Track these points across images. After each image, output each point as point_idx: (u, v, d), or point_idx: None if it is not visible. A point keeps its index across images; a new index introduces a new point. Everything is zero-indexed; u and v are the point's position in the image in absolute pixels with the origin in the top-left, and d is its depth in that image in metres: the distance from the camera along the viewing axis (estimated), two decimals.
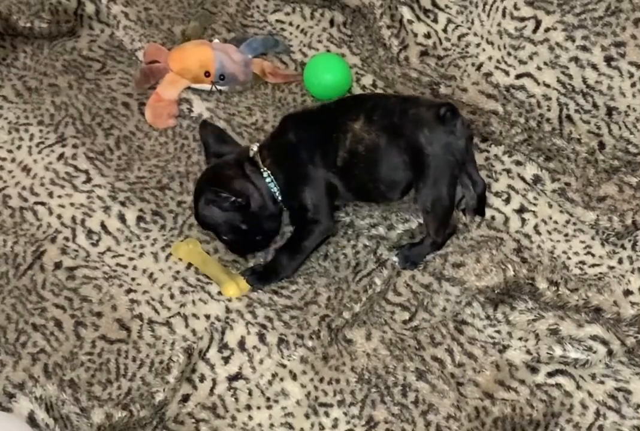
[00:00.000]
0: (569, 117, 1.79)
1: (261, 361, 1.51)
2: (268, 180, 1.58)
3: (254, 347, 1.52)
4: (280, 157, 1.59)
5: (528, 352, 1.54)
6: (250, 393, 1.48)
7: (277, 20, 2.06)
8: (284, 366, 1.51)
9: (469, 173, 1.65)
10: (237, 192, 1.55)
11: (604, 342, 1.53)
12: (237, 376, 1.50)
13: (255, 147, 1.60)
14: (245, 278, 1.58)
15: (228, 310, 1.56)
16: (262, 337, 1.53)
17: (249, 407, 1.47)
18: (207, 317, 1.55)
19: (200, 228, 1.63)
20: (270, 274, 1.60)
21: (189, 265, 1.62)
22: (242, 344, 1.52)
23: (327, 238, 1.64)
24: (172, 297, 1.58)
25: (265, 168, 1.58)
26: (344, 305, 1.58)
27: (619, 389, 1.52)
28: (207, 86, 1.88)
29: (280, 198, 1.59)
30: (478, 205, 1.69)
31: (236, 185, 1.56)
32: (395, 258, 1.63)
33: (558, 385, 1.52)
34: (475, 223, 1.69)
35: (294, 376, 1.50)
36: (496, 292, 1.58)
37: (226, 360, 1.51)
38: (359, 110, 1.57)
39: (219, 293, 1.58)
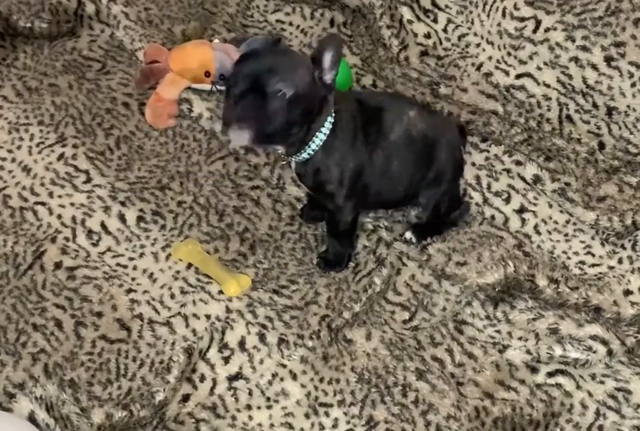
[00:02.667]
0: (569, 117, 1.79)
1: (261, 361, 1.51)
2: (329, 121, 1.48)
3: (254, 347, 1.52)
4: (348, 118, 1.51)
5: (528, 352, 1.55)
6: (250, 393, 1.48)
7: (277, 20, 2.06)
8: (284, 366, 1.51)
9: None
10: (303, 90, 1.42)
11: (604, 342, 1.53)
12: (237, 376, 1.50)
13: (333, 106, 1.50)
14: (321, 269, 1.64)
15: (228, 310, 1.56)
16: (262, 337, 1.53)
17: (249, 407, 1.47)
18: (208, 316, 1.55)
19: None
20: (338, 258, 1.65)
21: (189, 265, 1.62)
22: (242, 344, 1.52)
23: (357, 216, 1.62)
24: (172, 296, 1.58)
25: (333, 116, 1.49)
26: (344, 305, 1.58)
27: (619, 389, 1.52)
28: (207, 86, 1.88)
29: (314, 148, 1.48)
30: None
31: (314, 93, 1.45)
32: (408, 235, 1.67)
33: (558, 385, 1.52)
34: (476, 222, 1.70)
35: (294, 376, 1.50)
36: (497, 289, 1.58)
37: (226, 360, 1.51)
38: (412, 104, 1.65)
39: (220, 292, 1.58)
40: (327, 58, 1.44)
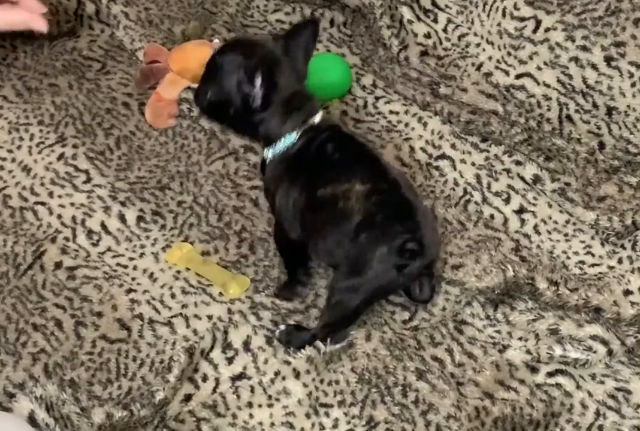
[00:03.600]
0: (569, 117, 1.79)
1: (266, 361, 1.51)
2: (287, 141, 1.46)
3: (260, 348, 1.52)
4: (304, 146, 1.47)
5: (528, 352, 1.55)
6: (252, 391, 1.48)
7: (277, 20, 2.06)
8: (289, 363, 1.51)
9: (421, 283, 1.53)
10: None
11: (604, 342, 1.53)
12: (240, 376, 1.50)
13: (319, 117, 1.47)
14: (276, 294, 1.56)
15: (230, 312, 1.56)
16: (268, 340, 1.53)
17: (250, 405, 1.47)
18: (210, 317, 1.55)
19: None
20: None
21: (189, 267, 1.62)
22: (246, 344, 1.52)
23: (297, 244, 1.51)
24: (173, 296, 1.58)
25: (297, 135, 1.46)
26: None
27: (619, 389, 1.52)
28: None
29: (268, 157, 1.48)
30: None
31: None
32: (282, 327, 1.52)
33: (558, 385, 1.52)
34: (473, 222, 1.70)
35: (297, 375, 1.50)
36: (496, 292, 1.58)
37: (230, 360, 1.51)
38: (375, 179, 1.41)
39: (221, 294, 1.58)
40: (257, 81, 1.43)
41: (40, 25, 1.32)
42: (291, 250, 1.57)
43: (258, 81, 1.42)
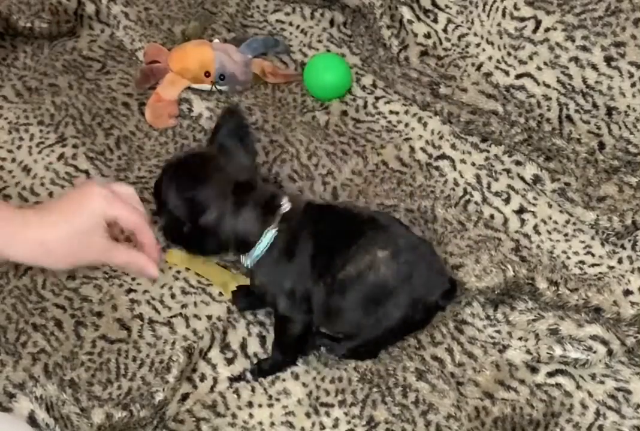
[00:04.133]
0: (569, 117, 1.79)
1: None
2: (268, 237, 1.40)
3: (255, 354, 1.52)
4: (293, 236, 1.40)
5: (528, 352, 1.55)
6: (252, 390, 1.48)
7: (277, 20, 2.06)
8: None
9: None
10: (202, 207, 1.37)
11: (604, 342, 1.53)
12: (239, 377, 1.50)
13: (287, 203, 1.41)
14: (252, 375, 1.50)
15: (230, 311, 1.56)
16: (263, 339, 1.53)
17: (250, 404, 1.47)
18: (209, 317, 1.55)
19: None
20: (274, 370, 1.50)
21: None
22: (244, 348, 1.53)
23: (309, 329, 1.47)
24: (172, 296, 1.58)
25: (276, 228, 1.40)
26: None
27: (619, 389, 1.52)
28: (207, 86, 1.88)
29: (250, 264, 1.43)
30: None
31: (223, 205, 1.37)
32: (249, 375, 1.50)
33: (558, 385, 1.52)
34: (473, 222, 1.70)
35: (296, 377, 1.50)
36: (496, 292, 1.58)
37: (229, 361, 1.51)
38: (391, 241, 1.41)
39: (221, 294, 1.58)
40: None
41: (153, 274, 1.30)
42: (299, 344, 1.50)
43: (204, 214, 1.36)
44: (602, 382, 1.52)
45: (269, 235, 1.40)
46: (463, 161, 1.80)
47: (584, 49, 1.75)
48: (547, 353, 1.53)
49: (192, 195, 1.36)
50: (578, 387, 1.51)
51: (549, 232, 1.71)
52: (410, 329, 1.52)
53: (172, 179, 1.40)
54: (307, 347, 1.52)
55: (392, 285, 1.40)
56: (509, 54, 1.83)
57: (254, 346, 1.53)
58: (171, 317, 1.55)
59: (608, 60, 1.73)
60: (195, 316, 1.55)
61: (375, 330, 1.46)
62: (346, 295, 1.41)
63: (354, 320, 1.44)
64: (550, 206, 1.74)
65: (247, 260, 1.45)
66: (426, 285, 1.43)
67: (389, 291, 1.41)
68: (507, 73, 1.83)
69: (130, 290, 1.58)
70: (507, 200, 1.75)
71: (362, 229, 1.43)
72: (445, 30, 1.89)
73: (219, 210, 1.37)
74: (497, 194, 1.75)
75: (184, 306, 1.57)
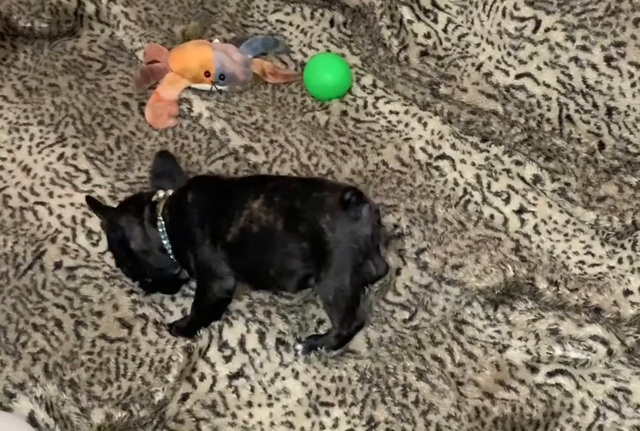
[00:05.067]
0: (569, 117, 1.79)
1: (261, 365, 1.51)
2: (160, 230, 1.50)
3: (254, 350, 1.52)
4: (174, 214, 1.50)
5: (528, 352, 1.55)
6: (252, 390, 1.48)
7: (277, 20, 2.06)
8: (286, 365, 1.51)
9: (371, 257, 1.49)
10: (115, 225, 1.51)
11: (604, 342, 1.53)
12: (238, 374, 1.50)
13: (162, 193, 1.53)
14: (169, 329, 1.53)
15: (227, 311, 1.56)
16: (262, 336, 1.53)
17: (250, 404, 1.47)
18: (183, 312, 1.56)
19: None
20: (189, 331, 1.53)
21: None
22: (242, 344, 1.52)
23: (224, 301, 1.52)
24: (173, 299, 1.58)
25: (161, 218, 1.50)
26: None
27: (619, 389, 1.52)
28: (207, 86, 1.88)
29: (170, 251, 1.51)
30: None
31: (121, 219, 1.51)
32: (299, 347, 1.52)
33: (558, 385, 1.52)
34: (473, 222, 1.70)
35: (297, 375, 1.50)
36: (496, 292, 1.58)
37: (227, 358, 1.51)
38: (261, 188, 1.47)
39: None
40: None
41: None
42: (220, 306, 1.54)
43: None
44: (602, 382, 1.52)
45: (158, 225, 1.50)
46: (463, 161, 1.80)
47: (584, 49, 1.75)
48: (547, 353, 1.53)
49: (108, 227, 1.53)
50: (578, 387, 1.51)
51: (549, 232, 1.71)
52: (346, 252, 1.41)
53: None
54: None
55: (280, 224, 1.42)
56: (509, 54, 1.83)
57: (252, 343, 1.53)
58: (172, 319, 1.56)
59: (608, 60, 1.73)
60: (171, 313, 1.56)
61: (302, 266, 1.43)
62: (245, 253, 1.45)
63: (272, 270, 1.45)
64: (550, 206, 1.74)
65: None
66: (316, 205, 1.41)
67: (281, 230, 1.42)
68: (507, 73, 1.83)
69: (131, 291, 1.58)
70: (507, 200, 1.75)
71: (236, 190, 1.49)
72: (445, 30, 1.89)
73: (132, 229, 1.51)
74: (497, 194, 1.75)
75: (184, 310, 1.57)
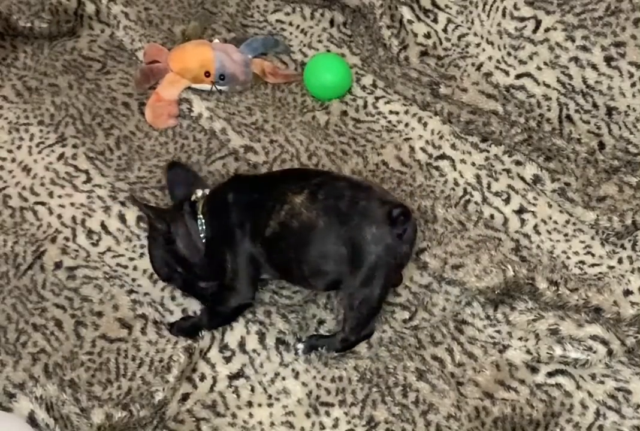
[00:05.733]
0: (569, 117, 1.79)
1: (261, 365, 1.51)
2: (201, 228, 1.50)
3: (254, 350, 1.52)
4: (213, 212, 1.50)
5: (528, 352, 1.55)
6: (252, 390, 1.49)
7: (277, 20, 2.06)
8: (286, 365, 1.51)
9: None
10: (161, 220, 1.50)
11: (604, 342, 1.53)
12: (238, 374, 1.50)
13: (200, 192, 1.53)
14: (169, 329, 1.53)
15: None
16: (262, 337, 1.53)
17: (250, 404, 1.47)
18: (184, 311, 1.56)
19: None
20: (192, 331, 1.53)
21: None
22: (242, 345, 1.52)
23: (245, 307, 1.53)
24: (173, 298, 1.58)
25: (201, 216, 1.50)
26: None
27: (619, 389, 1.52)
28: (207, 86, 1.88)
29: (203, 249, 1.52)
30: None
31: (165, 215, 1.51)
32: (300, 346, 1.52)
33: (558, 385, 1.52)
34: (473, 222, 1.70)
35: (297, 375, 1.50)
36: (496, 292, 1.58)
37: (228, 359, 1.51)
38: (305, 184, 1.45)
39: None
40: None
41: None
42: (240, 311, 1.54)
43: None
44: (602, 382, 1.52)
45: (198, 223, 1.50)
46: (463, 161, 1.80)
47: (584, 49, 1.75)
48: (547, 353, 1.53)
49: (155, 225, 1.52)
50: (578, 387, 1.51)
51: (549, 232, 1.71)
52: (383, 266, 1.42)
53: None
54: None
55: (322, 223, 1.41)
56: (509, 54, 1.83)
57: (252, 344, 1.53)
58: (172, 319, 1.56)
59: (608, 60, 1.73)
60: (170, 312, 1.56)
61: (336, 270, 1.43)
62: (282, 248, 1.44)
63: (308, 268, 1.44)
64: (550, 206, 1.74)
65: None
66: (364, 214, 1.41)
67: (322, 229, 1.41)
68: (507, 73, 1.83)
69: (131, 291, 1.58)
70: (507, 200, 1.75)
71: (277, 183, 1.49)
72: (445, 30, 1.89)
73: (177, 226, 1.51)
74: (497, 194, 1.75)
75: (184, 310, 1.57)
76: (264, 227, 1.44)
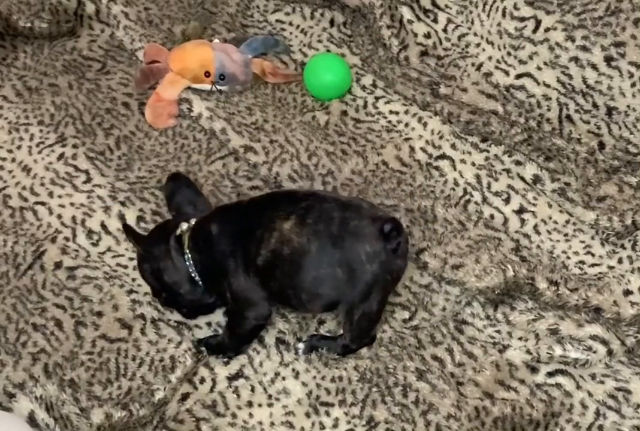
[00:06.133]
0: (569, 117, 1.79)
1: (261, 364, 1.51)
2: (188, 263, 1.47)
3: (254, 350, 1.52)
4: (199, 246, 1.47)
5: (528, 352, 1.55)
6: (252, 390, 1.49)
7: (277, 20, 2.06)
8: (287, 365, 1.51)
9: None
10: (149, 255, 1.49)
11: (604, 342, 1.53)
12: (238, 375, 1.50)
13: (185, 226, 1.48)
14: (197, 345, 1.52)
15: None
16: (262, 336, 1.53)
17: (250, 404, 1.47)
18: (209, 324, 1.56)
19: None
20: (218, 350, 1.52)
21: None
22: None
23: (262, 327, 1.51)
24: None
25: (187, 251, 1.47)
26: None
27: (619, 389, 1.52)
28: (207, 86, 1.88)
29: (200, 283, 1.49)
30: None
31: (154, 250, 1.49)
32: (300, 346, 1.53)
33: (558, 385, 1.52)
34: (473, 222, 1.70)
35: (297, 375, 1.50)
36: (496, 292, 1.58)
37: (226, 362, 1.51)
38: (292, 209, 1.42)
39: None
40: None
41: None
42: (255, 333, 1.53)
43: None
44: (602, 382, 1.52)
45: (185, 258, 1.48)
46: (463, 161, 1.80)
47: (584, 48, 1.75)
48: (547, 353, 1.53)
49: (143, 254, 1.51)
50: (578, 387, 1.51)
51: (549, 232, 1.71)
52: (380, 282, 1.42)
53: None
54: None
55: (314, 248, 1.39)
56: (509, 53, 1.83)
57: (252, 343, 1.53)
58: (172, 319, 1.56)
59: (608, 60, 1.73)
60: (197, 326, 1.56)
61: (333, 292, 1.42)
62: (276, 276, 1.42)
63: (304, 293, 1.43)
64: (550, 206, 1.74)
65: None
66: (356, 233, 1.39)
67: (315, 254, 1.39)
68: (507, 73, 1.83)
69: (131, 291, 1.58)
70: (507, 200, 1.75)
71: (263, 210, 1.45)
72: (445, 30, 1.89)
73: (163, 262, 1.49)
74: (497, 194, 1.75)
75: None
76: (256, 256, 1.41)
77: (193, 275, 1.48)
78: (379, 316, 1.49)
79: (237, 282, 1.44)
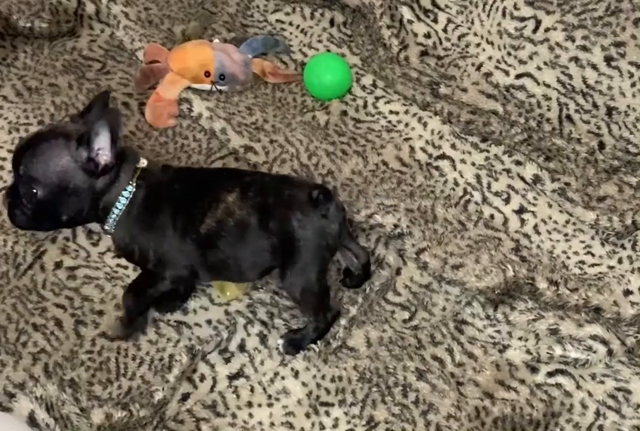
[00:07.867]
0: (569, 117, 1.79)
1: (262, 363, 1.51)
2: (125, 193, 1.43)
3: (255, 349, 1.52)
4: (151, 193, 1.44)
5: (528, 352, 1.55)
6: (252, 390, 1.49)
7: (277, 20, 2.06)
8: (286, 365, 1.51)
9: (349, 248, 1.55)
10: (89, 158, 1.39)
11: (604, 342, 1.53)
12: (238, 374, 1.50)
13: (145, 162, 1.46)
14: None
15: (227, 313, 1.56)
16: (263, 339, 1.53)
17: (250, 404, 1.47)
18: (209, 322, 1.56)
19: None
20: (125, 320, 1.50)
21: None
22: (242, 347, 1.53)
23: (175, 291, 1.51)
24: None
25: (134, 183, 1.43)
26: (342, 306, 1.58)
27: (619, 389, 1.52)
28: (207, 86, 1.88)
29: (114, 221, 1.45)
30: (364, 273, 1.58)
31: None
32: (280, 341, 1.53)
33: (558, 385, 1.52)
34: (473, 222, 1.70)
35: (296, 374, 1.50)
36: (496, 292, 1.58)
37: (227, 359, 1.51)
38: (236, 182, 1.46)
39: (218, 297, 1.58)
40: (101, 139, 1.38)
41: None
42: (159, 297, 1.51)
43: (101, 137, 1.38)
44: (602, 382, 1.52)
45: (127, 191, 1.44)
46: (463, 161, 1.80)
47: (584, 48, 1.75)
48: (547, 353, 1.53)
49: (95, 139, 1.39)
50: (578, 387, 1.52)
51: (549, 232, 1.71)
52: (314, 247, 1.43)
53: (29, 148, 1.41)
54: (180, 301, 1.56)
55: (254, 220, 1.42)
56: (509, 53, 1.83)
57: (252, 343, 1.54)
58: (171, 320, 1.56)
59: (608, 60, 1.73)
60: (197, 324, 1.56)
61: (270, 260, 1.45)
62: (219, 246, 1.44)
63: (245, 263, 1.45)
64: (550, 206, 1.75)
65: (107, 225, 1.46)
66: (289, 202, 1.43)
67: (254, 226, 1.42)
68: (507, 73, 1.83)
69: None
70: (507, 200, 1.75)
71: (212, 182, 1.48)
72: (445, 30, 1.89)
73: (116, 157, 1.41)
74: (497, 194, 1.75)
75: (184, 311, 1.57)
76: (200, 224, 1.43)
77: (118, 208, 1.43)
78: (323, 287, 1.48)
79: (169, 242, 1.44)
